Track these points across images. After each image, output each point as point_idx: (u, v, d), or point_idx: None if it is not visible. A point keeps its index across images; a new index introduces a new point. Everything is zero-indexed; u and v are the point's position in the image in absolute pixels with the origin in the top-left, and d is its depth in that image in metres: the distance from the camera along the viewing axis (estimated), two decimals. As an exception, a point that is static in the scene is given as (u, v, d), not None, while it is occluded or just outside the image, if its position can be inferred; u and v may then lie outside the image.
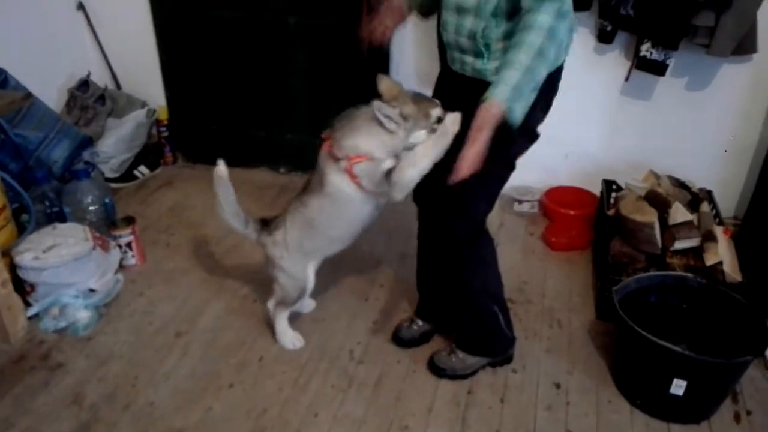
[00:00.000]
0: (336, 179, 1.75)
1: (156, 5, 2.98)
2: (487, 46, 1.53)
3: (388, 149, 1.70)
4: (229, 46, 2.99)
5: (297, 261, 1.95)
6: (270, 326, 2.13)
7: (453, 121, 1.62)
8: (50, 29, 2.96)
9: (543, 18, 1.37)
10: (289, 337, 2.10)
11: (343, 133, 1.71)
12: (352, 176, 1.72)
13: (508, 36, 1.49)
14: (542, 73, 1.42)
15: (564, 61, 1.61)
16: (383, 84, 1.70)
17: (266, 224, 1.98)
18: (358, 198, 1.77)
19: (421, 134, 1.67)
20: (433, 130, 1.66)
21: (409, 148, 1.70)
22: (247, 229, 1.98)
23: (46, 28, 2.93)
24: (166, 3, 2.96)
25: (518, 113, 1.42)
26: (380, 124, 1.65)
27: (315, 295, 2.23)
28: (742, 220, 2.56)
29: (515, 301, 2.31)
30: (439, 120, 1.65)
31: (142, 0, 2.98)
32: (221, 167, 1.86)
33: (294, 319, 2.14)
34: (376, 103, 1.64)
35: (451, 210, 1.70)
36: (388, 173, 1.70)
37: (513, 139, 1.54)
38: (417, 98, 1.69)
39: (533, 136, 1.67)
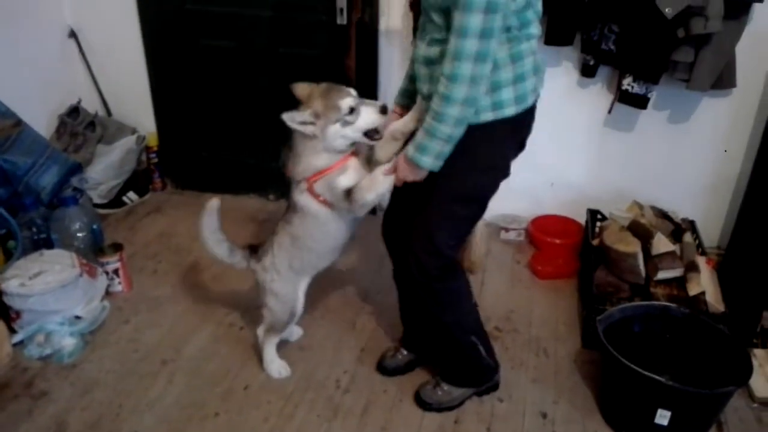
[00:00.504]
0: (303, 199, 1.81)
1: (148, 34, 3.02)
2: None
3: (327, 154, 1.73)
4: (219, 74, 3.03)
5: (288, 282, 1.96)
6: (257, 353, 2.13)
7: (368, 114, 1.69)
8: (42, 56, 2.98)
9: (439, 84, 1.48)
10: (275, 366, 2.09)
11: (291, 160, 1.78)
12: (315, 195, 1.77)
13: None
14: (449, 132, 1.50)
15: (527, 106, 1.62)
16: (298, 90, 1.74)
17: (255, 251, 2.00)
18: (328, 215, 1.81)
19: (335, 129, 1.69)
20: (346, 123, 1.68)
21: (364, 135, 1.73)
22: (233, 257, 2.00)
23: (38, 55, 2.95)
24: (158, 31, 3.00)
25: (426, 163, 1.56)
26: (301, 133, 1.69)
27: (302, 323, 2.24)
28: (725, 251, 2.60)
29: (502, 330, 2.32)
30: (352, 110, 1.68)
31: (134, 28, 3.02)
32: (214, 202, 1.91)
33: (281, 348, 2.13)
34: (284, 116, 1.67)
35: (419, 245, 1.74)
36: (349, 192, 1.73)
37: (467, 177, 1.63)
38: (327, 92, 1.71)
39: (501, 174, 1.70)
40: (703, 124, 2.58)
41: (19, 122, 2.11)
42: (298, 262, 1.93)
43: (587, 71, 2.55)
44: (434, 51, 1.56)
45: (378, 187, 1.69)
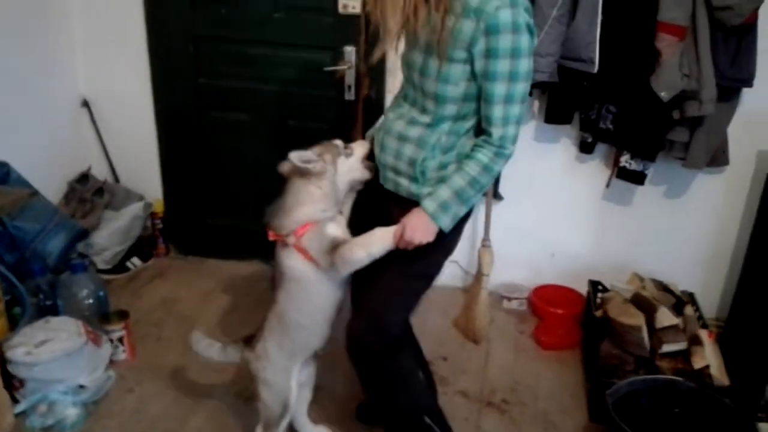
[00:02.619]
0: (290, 262, 1.77)
1: (160, 105, 3.11)
2: (423, 173, 1.63)
3: (323, 202, 1.75)
4: (228, 144, 3.11)
5: (279, 368, 1.89)
6: None
7: (359, 145, 1.83)
8: (54, 124, 3.04)
9: (482, 156, 1.58)
10: None
11: (278, 214, 1.78)
12: (303, 251, 1.73)
13: (444, 167, 1.64)
14: (472, 197, 1.61)
15: None
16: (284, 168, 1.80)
17: (249, 341, 1.95)
18: (314, 277, 1.76)
19: (342, 161, 1.77)
20: (348, 155, 1.79)
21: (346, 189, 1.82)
22: (227, 355, 2.00)
23: (51, 123, 3.02)
24: (170, 103, 3.09)
25: (444, 222, 1.61)
26: (305, 173, 1.73)
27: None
28: (725, 322, 2.65)
29: (509, 402, 2.33)
30: (346, 146, 1.81)
31: (147, 99, 3.10)
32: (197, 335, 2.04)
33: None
34: (293, 154, 1.71)
35: (365, 322, 1.75)
36: (335, 248, 1.69)
37: (424, 254, 1.64)
38: (320, 143, 1.81)
39: (446, 252, 1.76)
40: (698, 199, 2.68)
41: (35, 192, 2.16)
42: (289, 343, 1.86)
43: (585, 148, 2.65)
44: (412, 131, 1.64)
45: (373, 246, 1.66)
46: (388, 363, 1.77)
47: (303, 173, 1.74)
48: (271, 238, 1.79)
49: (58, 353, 2.18)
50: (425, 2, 1.53)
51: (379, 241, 1.66)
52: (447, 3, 1.51)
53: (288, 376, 1.89)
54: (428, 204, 1.61)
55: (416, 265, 1.69)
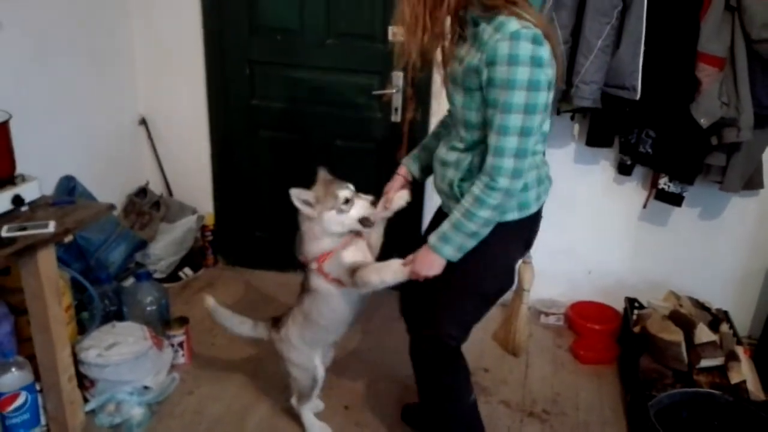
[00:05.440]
0: (315, 281, 1.97)
1: (214, 124, 3.27)
2: (462, 194, 1.71)
3: (325, 238, 1.89)
4: (276, 162, 3.26)
5: (302, 352, 2.11)
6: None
7: (361, 206, 1.88)
8: (115, 141, 3.22)
9: (474, 188, 1.62)
10: (317, 429, 2.21)
11: (301, 242, 1.96)
12: (325, 275, 1.92)
13: None
14: (473, 228, 1.64)
15: (530, 213, 1.75)
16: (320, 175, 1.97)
17: (276, 322, 2.18)
18: (337, 292, 1.94)
19: (331, 215, 1.85)
20: (341, 211, 1.85)
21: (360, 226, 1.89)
22: (257, 331, 2.21)
23: (111, 141, 3.20)
24: (224, 122, 3.26)
25: (447, 253, 1.68)
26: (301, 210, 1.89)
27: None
28: (757, 341, 2.72)
29: (550, 413, 2.42)
30: (347, 201, 1.86)
31: (202, 119, 3.27)
32: (210, 300, 2.26)
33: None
34: (293, 191, 1.88)
35: (422, 330, 1.84)
36: (354, 270, 1.83)
37: (482, 275, 1.76)
38: (331, 182, 1.92)
39: (502, 274, 1.84)
40: (732, 220, 2.77)
41: (112, 206, 2.32)
42: (309, 336, 2.08)
43: (624, 170, 2.76)
44: (451, 156, 1.77)
45: (386, 274, 1.79)
46: (441, 376, 1.87)
47: None
48: (301, 260, 2.01)
49: (126, 356, 2.33)
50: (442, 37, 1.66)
51: (391, 271, 1.80)
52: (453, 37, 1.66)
53: (311, 358, 2.13)
54: (431, 237, 1.71)
55: (472, 282, 1.77)
